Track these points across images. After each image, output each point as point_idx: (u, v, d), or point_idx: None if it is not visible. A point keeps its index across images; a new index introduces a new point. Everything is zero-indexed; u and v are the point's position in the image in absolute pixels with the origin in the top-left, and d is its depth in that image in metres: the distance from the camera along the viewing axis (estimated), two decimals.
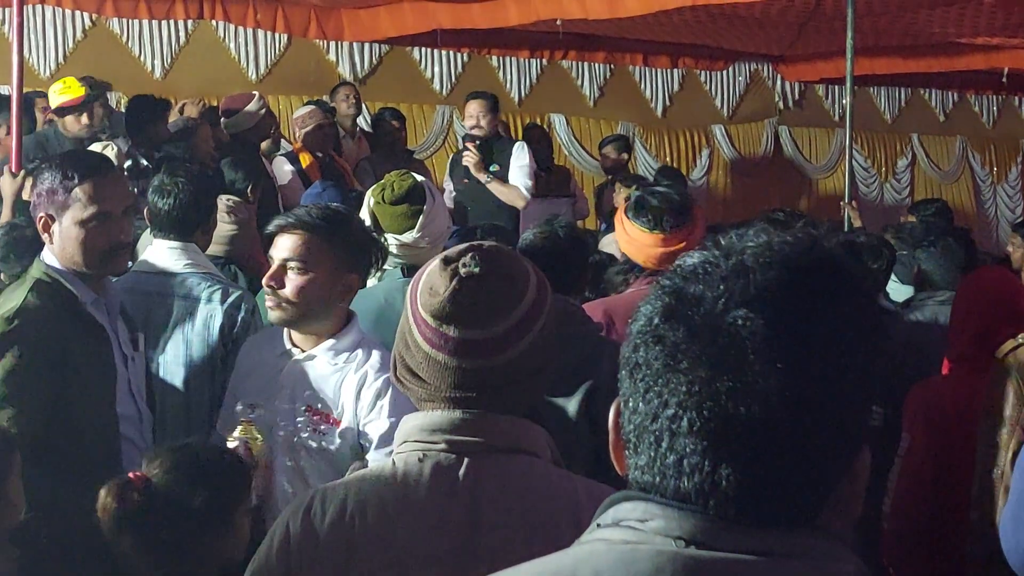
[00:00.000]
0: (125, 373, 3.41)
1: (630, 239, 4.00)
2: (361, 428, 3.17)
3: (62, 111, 6.89)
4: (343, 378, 3.20)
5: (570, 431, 3.24)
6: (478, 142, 7.62)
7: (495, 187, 7.55)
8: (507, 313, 1.94)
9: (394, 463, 1.96)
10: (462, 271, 1.94)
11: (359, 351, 3.24)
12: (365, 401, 3.16)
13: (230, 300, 3.91)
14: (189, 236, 4.10)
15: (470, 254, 1.97)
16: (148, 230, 4.36)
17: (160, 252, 4.06)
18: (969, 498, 3.30)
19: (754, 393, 1.12)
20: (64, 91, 6.93)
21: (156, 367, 3.89)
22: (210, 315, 3.89)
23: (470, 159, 7.55)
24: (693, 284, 1.18)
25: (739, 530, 1.14)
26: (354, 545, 1.90)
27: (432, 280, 1.96)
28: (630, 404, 1.20)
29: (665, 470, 1.16)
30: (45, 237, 3.34)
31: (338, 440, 3.18)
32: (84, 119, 6.90)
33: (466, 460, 1.93)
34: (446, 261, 1.97)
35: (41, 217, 3.33)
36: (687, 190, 5.73)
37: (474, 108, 7.65)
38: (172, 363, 3.84)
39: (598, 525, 1.21)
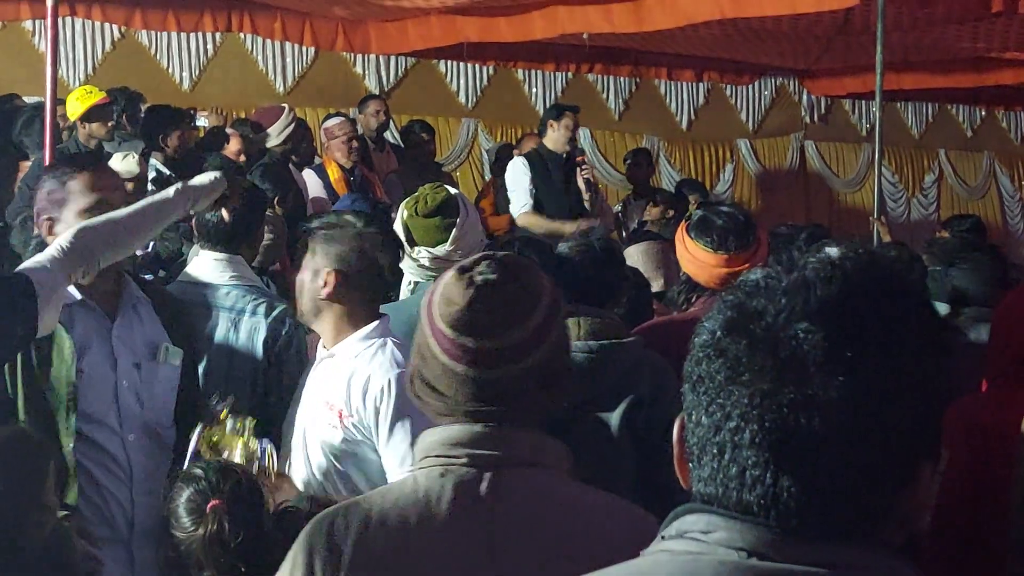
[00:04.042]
0: (111, 376, 3.35)
1: (692, 258, 3.93)
2: (370, 432, 3.16)
3: (91, 114, 6.98)
4: (352, 373, 3.20)
5: (612, 445, 3.25)
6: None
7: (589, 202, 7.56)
8: (523, 321, 1.94)
9: (415, 478, 1.96)
10: (478, 279, 1.95)
11: (374, 346, 3.24)
12: (370, 405, 3.15)
13: (274, 314, 3.90)
14: (236, 248, 4.09)
15: (485, 262, 1.99)
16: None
17: (206, 263, 4.05)
18: (1009, 516, 3.27)
19: (815, 405, 1.13)
20: (88, 97, 7.03)
21: (199, 378, 3.87)
22: (254, 328, 3.88)
23: (590, 174, 7.54)
24: (755, 298, 1.19)
25: (801, 542, 1.14)
26: (377, 561, 1.89)
27: (448, 290, 1.97)
28: (693, 417, 1.21)
29: (728, 482, 1.17)
30: (49, 239, 3.32)
31: (350, 434, 3.17)
32: (110, 123, 7.04)
33: (487, 475, 1.92)
34: (461, 271, 1.99)
35: (43, 222, 3.34)
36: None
37: (573, 121, 7.59)
38: (214, 375, 3.83)
39: (662, 537, 1.22)
